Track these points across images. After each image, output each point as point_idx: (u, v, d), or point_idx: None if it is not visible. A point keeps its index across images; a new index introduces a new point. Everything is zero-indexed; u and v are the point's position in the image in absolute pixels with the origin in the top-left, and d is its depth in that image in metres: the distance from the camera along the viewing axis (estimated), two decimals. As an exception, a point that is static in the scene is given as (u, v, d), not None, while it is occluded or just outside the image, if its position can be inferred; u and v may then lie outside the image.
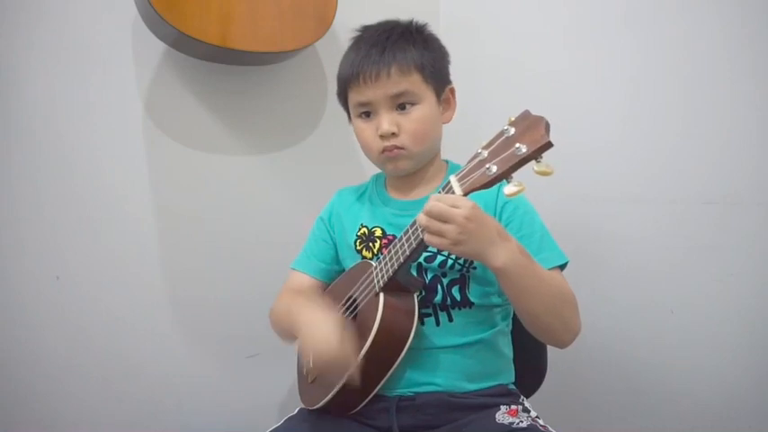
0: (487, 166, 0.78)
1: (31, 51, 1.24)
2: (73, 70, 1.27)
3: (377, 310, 0.92)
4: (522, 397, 1.03)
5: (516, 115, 0.78)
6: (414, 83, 0.99)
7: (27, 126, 1.24)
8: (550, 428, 0.94)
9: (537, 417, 0.97)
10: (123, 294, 1.33)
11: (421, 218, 0.83)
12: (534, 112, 0.77)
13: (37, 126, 1.25)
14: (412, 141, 1.00)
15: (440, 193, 0.84)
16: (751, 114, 1.10)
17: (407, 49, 1.00)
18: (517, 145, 0.75)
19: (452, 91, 1.07)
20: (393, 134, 0.99)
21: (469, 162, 0.82)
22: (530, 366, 1.10)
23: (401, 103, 1.00)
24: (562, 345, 0.95)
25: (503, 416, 0.95)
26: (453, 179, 0.83)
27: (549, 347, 1.13)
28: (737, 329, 1.14)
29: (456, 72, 1.08)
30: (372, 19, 1.07)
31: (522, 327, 0.99)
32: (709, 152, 1.15)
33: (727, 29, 1.12)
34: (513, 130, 0.77)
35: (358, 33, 1.07)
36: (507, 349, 1.06)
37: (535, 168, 0.74)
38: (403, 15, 1.06)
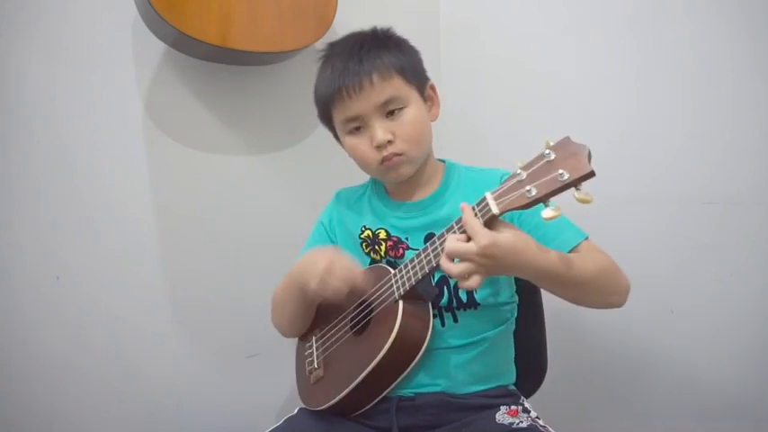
0: (528, 188, 0.77)
1: (32, 51, 1.23)
2: (73, 70, 1.27)
3: (396, 317, 0.92)
4: (522, 397, 1.03)
5: (556, 140, 0.78)
6: (397, 86, 0.98)
7: (27, 126, 1.24)
8: (550, 429, 0.94)
9: (537, 417, 0.97)
10: (123, 294, 1.33)
11: (442, 263, 0.82)
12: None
13: (37, 126, 1.25)
14: (408, 145, 0.98)
15: (474, 208, 0.82)
16: (752, 115, 1.10)
17: (383, 55, 0.98)
18: (560, 171, 0.75)
19: (433, 87, 1.06)
20: (389, 142, 0.97)
21: (507, 181, 0.80)
22: (530, 366, 1.10)
23: (390, 110, 0.98)
24: (617, 306, 0.94)
25: (503, 416, 0.96)
26: (490, 197, 0.81)
27: (548, 348, 1.13)
28: (737, 329, 1.14)
29: (456, 72, 1.09)
30: (372, 19, 1.06)
31: (524, 327, 0.99)
32: (710, 152, 1.15)
33: (728, 29, 1.12)
34: (554, 155, 0.77)
35: (324, 53, 1.05)
36: (509, 349, 1.06)
37: (576, 196, 0.74)
38: (403, 15, 1.06)
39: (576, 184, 0.74)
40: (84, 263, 1.29)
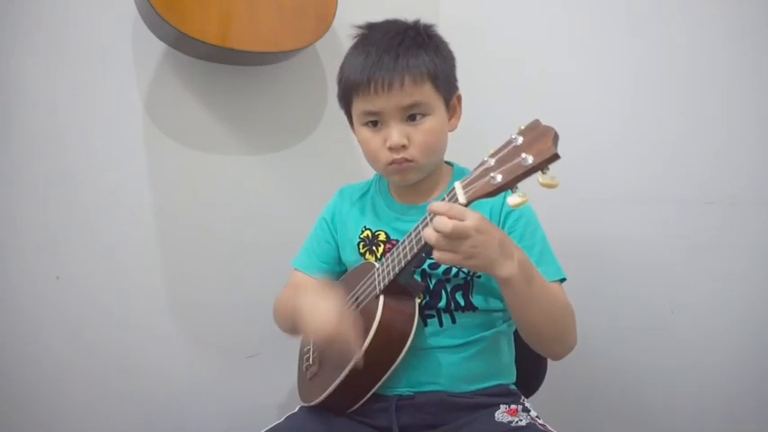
0: (492, 174, 0.76)
1: (32, 51, 1.23)
2: (73, 70, 1.27)
3: (376, 311, 0.92)
4: (522, 397, 1.02)
5: (526, 124, 0.76)
6: (426, 93, 0.96)
7: (27, 126, 1.24)
8: (549, 427, 0.94)
9: (537, 416, 0.97)
10: (123, 294, 1.33)
11: (430, 235, 0.80)
12: (544, 122, 0.75)
13: (37, 126, 1.25)
14: (421, 153, 0.97)
15: (444, 199, 0.82)
16: (751, 115, 1.10)
17: (420, 56, 0.95)
18: (523, 155, 0.73)
19: (459, 98, 1.04)
20: (403, 146, 0.96)
21: (476, 169, 0.80)
22: (530, 366, 1.09)
23: (412, 114, 0.96)
24: (556, 357, 0.97)
25: (502, 415, 0.96)
26: (458, 186, 0.81)
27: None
28: (737, 329, 1.14)
29: (456, 72, 1.08)
30: (372, 19, 1.06)
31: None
32: (710, 152, 1.15)
33: (727, 30, 1.13)
34: (521, 140, 0.75)
35: (363, 32, 1.02)
36: (509, 349, 1.06)
37: (540, 180, 0.72)
38: (403, 15, 1.05)
39: (540, 168, 0.72)
40: (84, 263, 1.29)
